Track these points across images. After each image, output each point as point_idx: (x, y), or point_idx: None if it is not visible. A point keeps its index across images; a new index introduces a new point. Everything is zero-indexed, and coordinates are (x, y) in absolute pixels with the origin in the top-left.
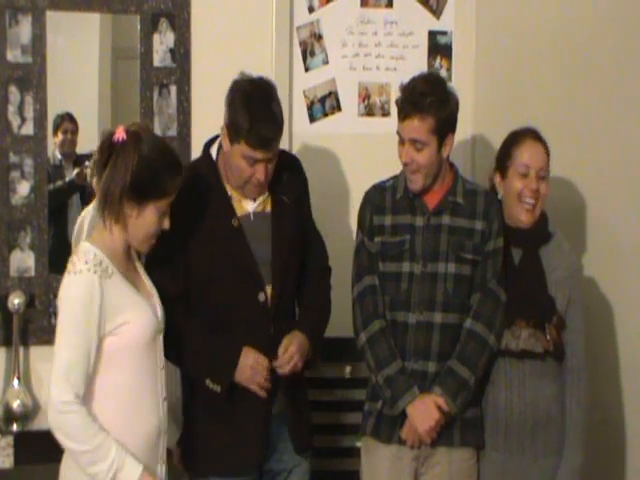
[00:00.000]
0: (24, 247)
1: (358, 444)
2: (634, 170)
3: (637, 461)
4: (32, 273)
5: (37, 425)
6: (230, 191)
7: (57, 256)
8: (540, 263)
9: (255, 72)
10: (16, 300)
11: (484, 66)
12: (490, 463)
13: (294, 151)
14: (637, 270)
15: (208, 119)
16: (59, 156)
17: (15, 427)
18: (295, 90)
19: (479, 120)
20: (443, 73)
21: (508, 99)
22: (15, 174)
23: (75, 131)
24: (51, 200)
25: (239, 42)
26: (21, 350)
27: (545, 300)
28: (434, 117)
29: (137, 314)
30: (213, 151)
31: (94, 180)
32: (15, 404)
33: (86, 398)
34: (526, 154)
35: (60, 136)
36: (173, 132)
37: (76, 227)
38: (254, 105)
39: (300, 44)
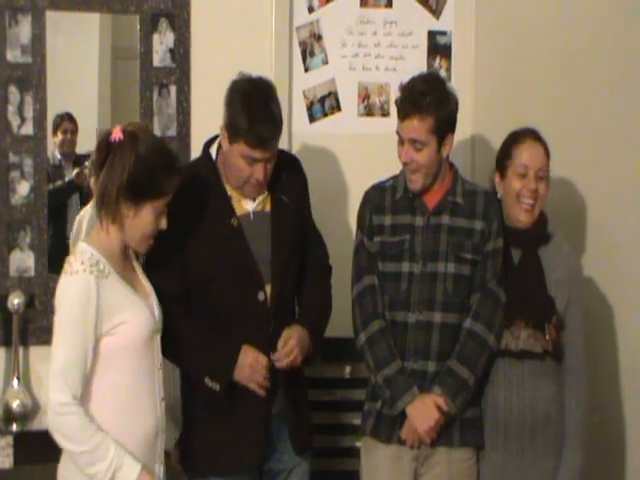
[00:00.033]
0: (24, 247)
1: (358, 444)
2: (634, 171)
3: (637, 461)
4: (32, 273)
5: (37, 425)
6: (230, 191)
7: (57, 256)
8: (539, 263)
9: (255, 72)
10: (16, 300)
11: (483, 66)
12: (490, 463)
13: (294, 151)
14: (636, 271)
15: (208, 119)
16: (59, 156)
17: (15, 427)
18: (295, 90)
19: (479, 120)
20: (442, 73)
21: (507, 99)
22: (15, 174)
23: (75, 131)
24: (51, 200)
25: (239, 42)
26: (21, 350)
27: (544, 300)
28: (433, 117)
29: (134, 314)
30: (213, 151)
31: (92, 180)
32: (15, 404)
33: (84, 398)
34: (525, 154)
35: (60, 136)
36: (173, 132)
37: (74, 227)
38: (253, 105)
39: (300, 44)
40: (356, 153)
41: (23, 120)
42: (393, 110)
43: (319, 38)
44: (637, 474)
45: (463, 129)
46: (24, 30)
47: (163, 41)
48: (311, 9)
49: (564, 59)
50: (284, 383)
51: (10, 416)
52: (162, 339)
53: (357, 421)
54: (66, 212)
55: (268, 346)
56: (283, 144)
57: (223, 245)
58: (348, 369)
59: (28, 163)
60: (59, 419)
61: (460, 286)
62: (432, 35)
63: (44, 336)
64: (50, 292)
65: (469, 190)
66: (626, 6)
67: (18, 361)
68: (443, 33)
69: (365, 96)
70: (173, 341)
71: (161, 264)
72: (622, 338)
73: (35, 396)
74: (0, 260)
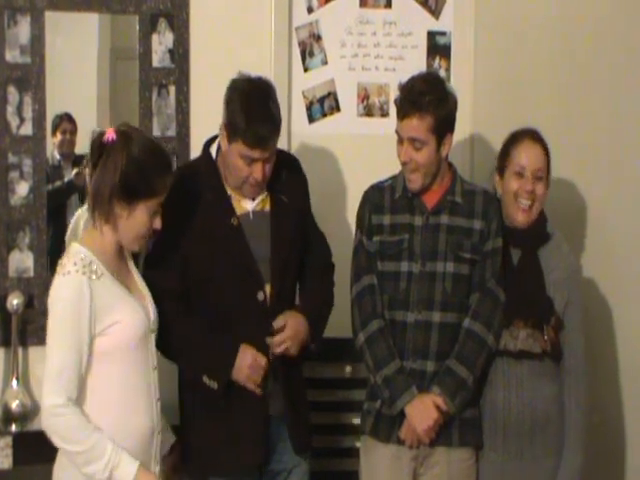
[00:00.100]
0: (23, 247)
1: (357, 444)
2: (634, 171)
3: (637, 461)
4: (31, 274)
5: (36, 425)
6: (229, 190)
7: (56, 257)
8: (539, 264)
9: (254, 72)
10: (15, 301)
11: (483, 66)
12: (489, 464)
13: (293, 151)
14: (636, 271)
15: (207, 119)
16: (58, 156)
17: (14, 427)
18: (294, 90)
19: (478, 120)
20: (442, 73)
21: (507, 99)
22: (14, 174)
23: (74, 131)
24: (50, 200)
25: (238, 42)
26: (20, 350)
27: (543, 301)
28: (433, 116)
29: (127, 314)
30: (213, 150)
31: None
32: (14, 404)
33: (78, 399)
34: (523, 154)
35: (59, 136)
36: (172, 132)
37: (70, 227)
38: (251, 104)
39: (299, 44)
40: (355, 153)
41: (22, 120)
42: (392, 110)
43: (318, 38)
44: (637, 474)
45: (462, 129)
46: (23, 30)
47: (162, 41)
48: (310, 9)
49: (563, 59)
50: (283, 383)
51: (9, 416)
52: (161, 337)
53: (357, 421)
54: (65, 213)
55: (267, 346)
56: (282, 144)
57: (223, 244)
58: (348, 369)
59: (27, 163)
60: (55, 420)
61: (459, 286)
62: (431, 35)
63: (43, 336)
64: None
65: (468, 190)
66: (626, 6)
67: (17, 361)
68: (442, 33)
69: (364, 96)
70: (172, 339)
71: (161, 263)
72: (622, 338)
73: (34, 396)
74: None
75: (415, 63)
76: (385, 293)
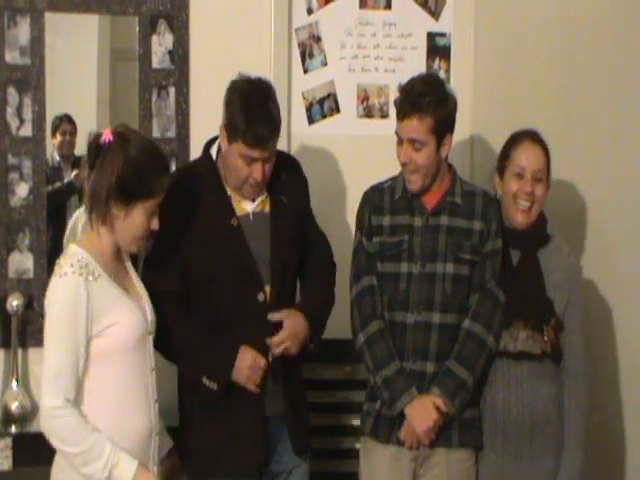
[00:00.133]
0: (23, 249)
1: (357, 446)
2: (634, 172)
3: (637, 462)
4: (31, 275)
5: (35, 427)
6: (229, 191)
7: (56, 258)
8: (538, 265)
9: (254, 73)
10: (15, 302)
11: (483, 67)
12: (488, 465)
13: (293, 153)
14: (636, 272)
15: (207, 121)
16: (58, 158)
17: (13, 429)
18: (294, 92)
19: (478, 121)
20: (442, 74)
21: (507, 100)
22: (14, 176)
23: (74, 133)
24: (50, 202)
25: (238, 43)
26: (19, 352)
27: (543, 302)
28: (432, 117)
29: (124, 316)
30: (213, 151)
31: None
32: (13, 406)
33: (76, 400)
34: (523, 156)
35: (59, 138)
36: (172, 134)
37: (68, 228)
38: (251, 104)
39: (299, 46)
40: (355, 155)
41: (22, 122)
42: (392, 112)
43: (318, 39)
44: (637, 475)
45: (462, 130)
46: (23, 31)
47: (162, 43)
48: (310, 11)
49: (563, 60)
50: (283, 384)
51: (9, 418)
52: (161, 339)
53: (356, 422)
54: (65, 214)
55: (267, 346)
56: (282, 145)
57: (223, 245)
58: (347, 370)
59: (27, 165)
60: (53, 422)
61: (459, 286)
62: (431, 36)
63: (43, 338)
64: None
65: (468, 191)
66: (626, 7)
67: (17, 363)
68: (442, 34)
69: (364, 98)
70: (172, 341)
71: (161, 264)
72: (621, 339)
73: (34, 398)
74: None
75: (415, 64)
76: (385, 294)
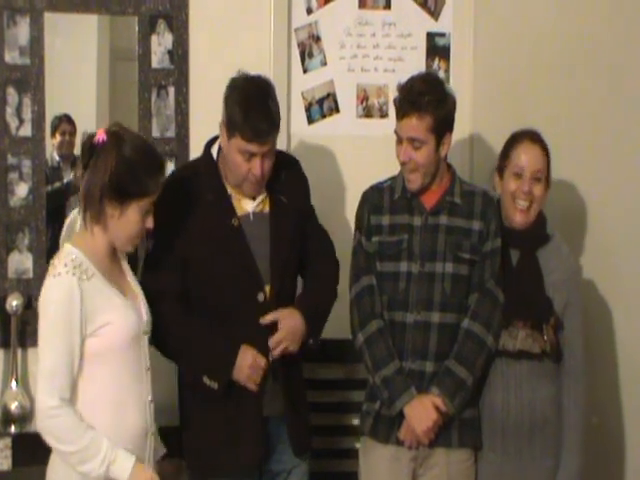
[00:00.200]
0: (22, 249)
1: (357, 446)
2: (634, 172)
3: (636, 463)
4: (30, 275)
5: (35, 427)
6: (230, 190)
7: None
8: (537, 264)
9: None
10: (14, 302)
11: (482, 67)
12: (487, 464)
13: (292, 152)
14: (636, 273)
15: (206, 120)
16: (57, 158)
17: (13, 429)
18: (293, 92)
19: (477, 121)
20: (441, 74)
21: (506, 100)
22: (13, 176)
23: (73, 133)
24: (49, 202)
25: (237, 43)
26: (19, 352)
27: (542, 301)
28: (432, 116)
29: (119, 315)
30: (214, 151)
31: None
32: (13, 406)
33: (71, 399)
34: (522, 155)
35: (58, 138)
36: (171, 133)
37: (65, 228)
38: (249, 100)
39: (298, 45)
40: (355, 154)
41: (21, 122)
42: (392, 111)
43: (318, 39)
44: (637, 475)
45: (462, 130)
46: (22, 31)
47: (161, 42)
48: (310, 10)
49: (563, 60)
50: (283, 384)
51: (8, 418)
52: (161, 338)
53: (356, 422)
54: (64, 214)
55: (267, 346)
56: (281, 145)
57: (223, 245)
58: (347, 370)
59: (26, 165)
60: (49, 422)
61: (458, 286)
62: (431, 36)
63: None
64: None
65: (467, 190)
66: (626, 6)
67: (16, 363)
68: (442, 34)
69: (364, 97)
70: (173, 340)
71: (161, 264)
72: (621, 339)
73: (33, 398)
74: None
75: (414, 64)
76: (384, 293)
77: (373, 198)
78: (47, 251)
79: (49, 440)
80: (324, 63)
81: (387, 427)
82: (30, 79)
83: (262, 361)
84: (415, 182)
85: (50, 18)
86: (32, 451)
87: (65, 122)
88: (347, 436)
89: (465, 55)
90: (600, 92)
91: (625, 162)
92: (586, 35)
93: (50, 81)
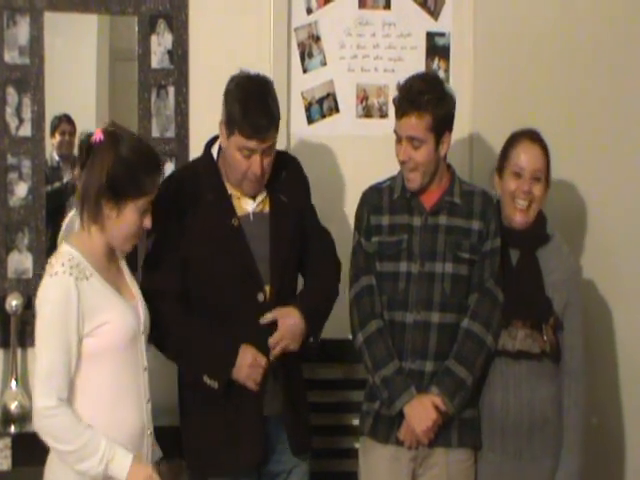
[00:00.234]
0: (22, 249)
1: (357, 445)
2: (634, 172)
3: (636, 463)
4: (30, 275)
5: None
6: (230, 189)
7: None
8: (537, 264)
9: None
10: (14, 302)
11: (482, 67)
12: (487, 464)
13: (291, 152)
14: (636, 273)
15: (206, 120)
16: (57, 158)
17: (13, 429)
18: (293, 91)
19: (477, 121)
20: (441, 74)
21: (506, 100)
22: (13, 176)
23: (73, 133)
24: (49, 202)
25: (237, 43)
26: (19, 352)
27: (542, 301)
28: (431, 114)
29: (116, 315)
30: (214, 151)
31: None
32: (13, 406)
33: (68, 399)
34: (522, 155)
35: (58, 137)
36: (171, 133)
37: (63, 228)
38: (248, 97)
39: (298, 45)
40: (354, 155)
41: (21, 121)
42: (392, 111)
43: (317, 39)
44: (637, 475)
45: (462, 130)
46: (22, 31)
47: (161, 42)
48: (309, 10)
49: (563, 60)
50: (283, 384)
51: (8, 418)
52: (162, 338)
53: (356, 422)
54: (64, 214)
55: (267, 346)
56: (281, 145)
57: (223, 245)
58: (347, 370)
59: (26, 165)
60: (47, 422)
61: (458, 286)
62: (431, 36)
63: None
64: None
65: (466, 190)
66: (626, 6)
67: (16, 363)
68: (442, 34)
69: (363, 97)
70: (173, 340)
71: (161, 263)
72: (621, 339)
73: None
74: None
75: (414, 64)
76: (384, 293)
77: (372, 198)
78: (47, 251)
79: (48, 440)
80: (324, 63)
81: (387, 427)
82: (30, 79)
83: (262, 360)
84: (415, 181)
85: (50, 18)
86: (32, 451)
87: (65, 122)
88: (347, 436)
89: (465, 55)
90: (600, 92)
91: (625, 162)
92: (586, 35)
93: (50, 81)
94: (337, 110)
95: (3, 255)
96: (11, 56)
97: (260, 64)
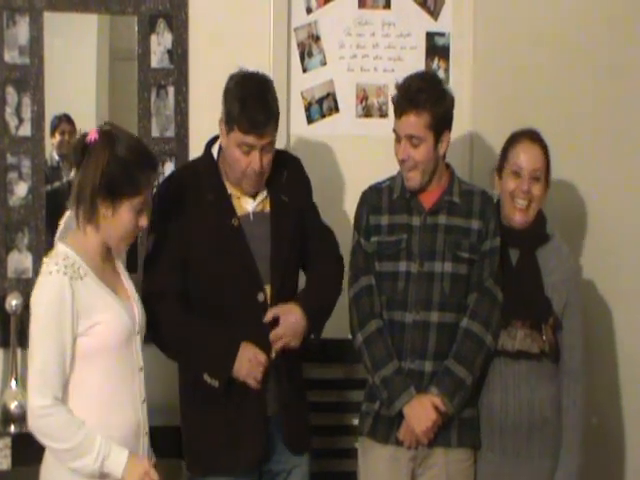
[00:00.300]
0: (22, 248)
1: (357, 445)
2: (634, 172)
3: (636, 463)
4: (29, 274)
5: None
6: (230, 189)
7: None
8: (537, 264)
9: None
10: (14, 301)
11: (481, 67)
12: (486, 464)
13: (291, 152)
14: (636, 273)
15: (206, 120)
16: (56, 157)
17: (13, 428)
18: (293, 91)
19: (477, 121)
20: (441, 74)
21: (505, 100)
22: (13, 175)
23: (72, 132)
24: (49, 201)
25: (237, 43)
26: (19, 351)
27: (541, 301)
28: (430, 113)
29: (110, 315)
30: (214, 151)
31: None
32: (13, 405)
33: (63, 399)
34: (521, 155)
35: (57, 137)
36: (171, 133)
37: (60, 228)
38: (247, 93)
39: (298, 45)
40: (354, 154)
41: (21, 121)
42: (391, 111)
43: (317, 39)
44: (637, 475)
45: (461, 130)
46: (22, 31)
47: (161, 42)
48: (309, 10)
49: (562, 60)
50: (283, 383)
51: (8, 417)
52: (162, 337)
53: (356, 422)
54: (64, 213)
55: (267, 346)
56: (281, 145)
57: (223, 245)
58: (347, 370)
59: (26, 164)
60: (42, 421)
61: (457, 285)
62: (430, 36)
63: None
64: None
65: (466, 190)
66: (626, 6)
67: (16, 362)
68: (441, 34)
69: (363, 97)
70: (173, 339)
71: (161, 263)
72: (621, 339)
73: None
74: None
75: (414, 64)
76: (383, 293)
77: (372, 198)
78: (46, 251)
79: (43, 439)
80: (324, 63)
81: (386, 427)
82: (30, 79)
83: (262, 357)
84: (414, 180)
85: (49, 18)
86: (32, 451)
87: (64, 122)
88: (347, 436)
89: (464, 55)
90: (600, 92)
91: (625, 162)
92: (586, 35)
93: (49, 81)
94: (337, 110)
95: (3, 255)
96: (11, 56)
97: (260, 64)
